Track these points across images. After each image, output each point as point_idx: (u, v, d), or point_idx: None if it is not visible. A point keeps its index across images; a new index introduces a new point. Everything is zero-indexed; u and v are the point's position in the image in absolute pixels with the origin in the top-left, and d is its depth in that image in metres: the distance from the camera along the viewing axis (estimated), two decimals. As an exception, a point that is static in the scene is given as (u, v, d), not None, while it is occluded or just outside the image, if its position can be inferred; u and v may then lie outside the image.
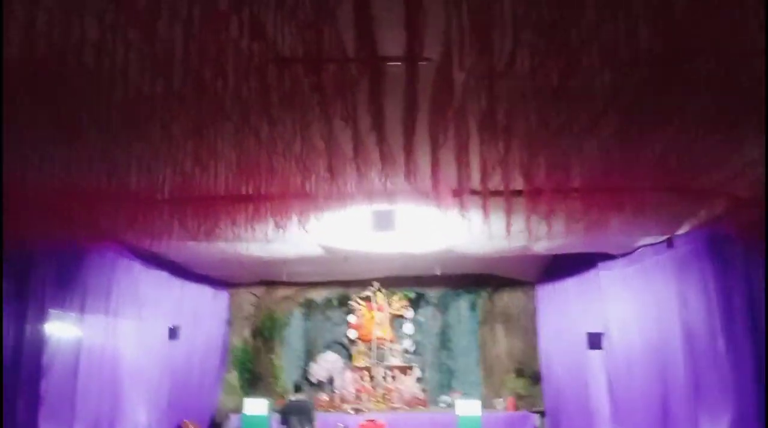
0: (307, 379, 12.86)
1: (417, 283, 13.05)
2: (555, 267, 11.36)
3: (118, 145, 4.96)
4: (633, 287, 8.79)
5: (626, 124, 4.79)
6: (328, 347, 13.32)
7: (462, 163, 4.73)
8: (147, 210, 6.40)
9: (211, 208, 6.48)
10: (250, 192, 5.79)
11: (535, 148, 4.78)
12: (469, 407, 8.99)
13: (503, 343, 12.59)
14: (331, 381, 12.79)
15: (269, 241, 7.82)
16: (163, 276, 9.64)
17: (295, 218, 6.41)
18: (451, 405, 11.93)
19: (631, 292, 8.82)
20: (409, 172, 5.59)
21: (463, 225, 6.15)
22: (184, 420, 10.08)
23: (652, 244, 8.34)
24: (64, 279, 7.25)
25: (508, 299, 12.76)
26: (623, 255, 9.09)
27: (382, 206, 6.69)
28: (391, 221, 6.71)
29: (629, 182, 6.31)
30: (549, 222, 6.33)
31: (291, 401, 8.52)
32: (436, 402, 12.37)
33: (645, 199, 6.51)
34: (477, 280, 12.85)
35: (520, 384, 11.86)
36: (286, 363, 12.78)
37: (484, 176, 5.03)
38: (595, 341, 9.26)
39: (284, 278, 9.85)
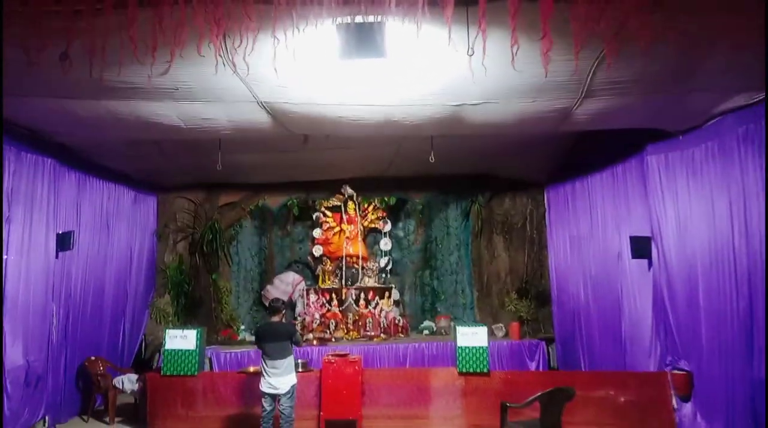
0: (261, 304, 10.50)
1: (397, 186, 10.54)
2: (573, 162, 8.97)
3: None
4: (701, 173, 6.39)
5: None
6: (288, 266, 10.95)
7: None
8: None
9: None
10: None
11: None
12: (472, 336, 6.66)
13: (503, 258, 10.31)
14: (291, 306, 10.48)
15: (179, 96, 5.09)
16: (47, 164, 6.85)
17: (214, 41, 3.72)
18: (434, 333, 9.92)
19: (698, 181, 6.43)
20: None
21: (488, 62, 3.66)
22: (90, 357, 7.56)
23: (737, 109, 5.89)
24: None
25: (510, 205, 10.37)
26: (685, 131, 6.66)
27: (360, 17, 4.01)
28: (375, 41, 4.01)
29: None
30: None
31: (264, 324, 6.12)
32: (418, 329, 10.20)
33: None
34: (471, 183, 10.38)
35: (523, 307, 9.65)
36: (234, 284, 10.31)
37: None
38: (640, 247, 6.94)
39: (219, 169, 7.08)
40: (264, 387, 5.74)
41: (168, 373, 6.70)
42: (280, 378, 5.71)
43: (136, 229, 9.17)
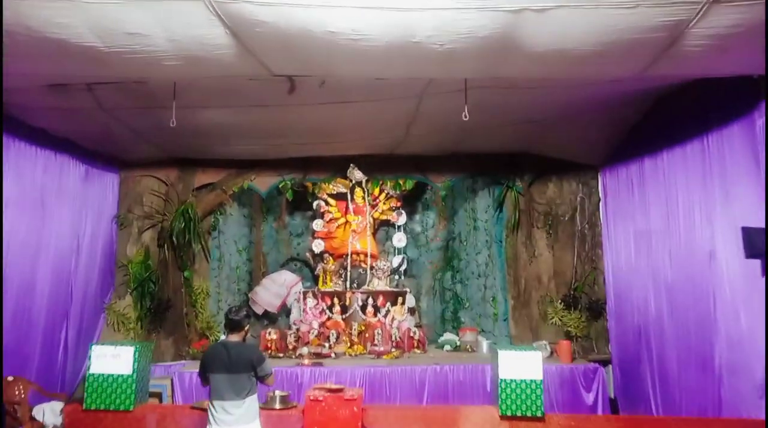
0: (250, 309, 8.62)
1: (414, 166, 8.65)
2: (639, 137, 7.01)
3: None
4: None
5: None
6: (283, 265, 9.12)
7: None
8: None
9: None
10: None
11: None
12: (520, 364, 4.69)
13: (545, 258, 8.34)
14: (286, 312, 8.72)
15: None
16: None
17: None
18: (457, 348, 8.10)
19: None
20: None
21: None
22: (7, 378, 5.71)
23: None
24: None
25: (555, 191, 8.40)
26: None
27: None
28: None
29: None
30: None
31: (215, 346, 4.21)
32: (437, 344, 8.38)
33: None
34: (507, 163, 8.42)
35: (571, 320, 7.71)
36: (213, 284, 8.46)
37: None
38: (757, 242, 4.94)
39: (173, 125, 5.15)
40: (210, 441, 3.84)
41: (93, 407, 4.82)
42: (234, 428, 3.79)
43: (87, 213, 7.31)
